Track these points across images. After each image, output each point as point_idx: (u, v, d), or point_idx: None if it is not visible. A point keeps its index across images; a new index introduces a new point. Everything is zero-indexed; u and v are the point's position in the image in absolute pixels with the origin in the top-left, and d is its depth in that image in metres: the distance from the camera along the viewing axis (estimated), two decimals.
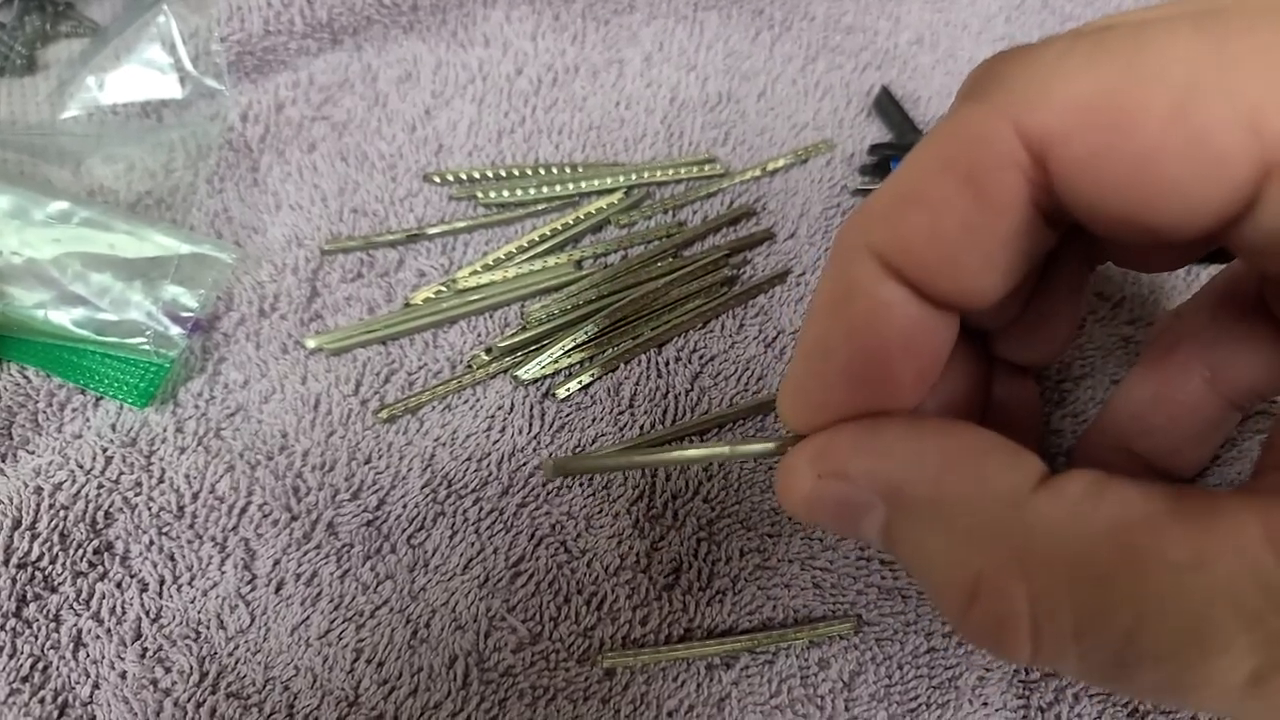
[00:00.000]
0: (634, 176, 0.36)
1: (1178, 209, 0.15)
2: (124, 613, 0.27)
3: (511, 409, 0.31)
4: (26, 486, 0.28)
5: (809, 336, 0.19)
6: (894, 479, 0.18)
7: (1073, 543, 0.16)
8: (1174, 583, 0.15)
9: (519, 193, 0.35)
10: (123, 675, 0.26)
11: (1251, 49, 0.14)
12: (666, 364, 0.32)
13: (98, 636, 0.27)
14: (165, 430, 0.30)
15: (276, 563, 0.28)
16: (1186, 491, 0.16)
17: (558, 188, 0.35)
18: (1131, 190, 0.15)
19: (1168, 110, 0.14)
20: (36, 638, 0.27)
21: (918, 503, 0.18)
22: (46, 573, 0.27)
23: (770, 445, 0.21)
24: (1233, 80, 0.14)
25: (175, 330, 0.31)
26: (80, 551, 0.28)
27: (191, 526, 0.28)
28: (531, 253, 0.34)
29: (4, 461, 0.29)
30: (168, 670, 0.27)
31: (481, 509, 0.29)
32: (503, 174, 0.36)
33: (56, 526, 0.28)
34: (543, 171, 0.36)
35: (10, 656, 0.26)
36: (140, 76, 0.36)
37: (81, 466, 0.29)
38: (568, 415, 0.31)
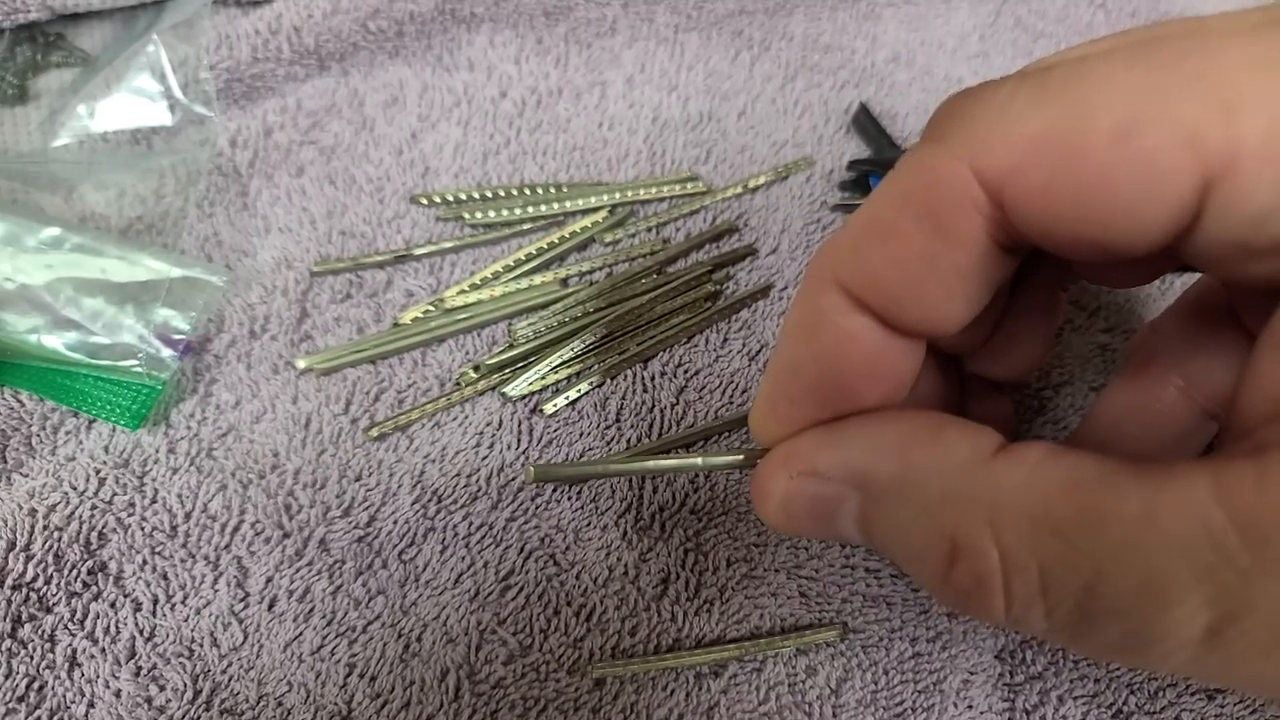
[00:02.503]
0: (618, 195, 0.36)
1: (1129, 227, 0.16)
2: (118, 632, 0.27)
3: (500, 425, 0.31)
4: (21, 509, 0.28)
5: (779, 360, 0.21)
6: (862, 465, 0.19)
7: (1033, 500, 0.17)
8: (1128, 536, 0.16)
9: (505, 213, 0.36)
10: (117, 694, 0.27)
11: (1183, 76, 0.15)
12: (652, 379, 0.32)
13: (92, 656, 0.27)
14: (158, 451, 0.30)
15: (269, 580, 0.28)
16: (1146, 459, 0.17)
17: (543, 207, 0.36)
18: (1084, 213, 0.16)
19: (1111, 136, 0.15)
20: (32, 658, 0.27)
21: (887, 482, 0.19)
22: (41, 593, 0.28)
23: (740, 457, 0.22)
24: (1169, 105, 0.15)
25: (167, 353, 0.31)
26: (74, 572, 0.28)
27: (184, 546, 0.29)
28: (518, 271, 0.35)
29: None
30: (162, 688, 0.27)
31: (471, 524, 0.30)
32: (488, 195, 0.36)
33: (51, 548, 0.28)
34: (528, 192, 0.37)
35: (6, 677, 0.26)
36: (130, 104, 0.36)
37: (75, 488, 0.29)
38: (555, 430, 0.31)
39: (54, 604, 0.28)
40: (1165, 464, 0.16)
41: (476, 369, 0.32)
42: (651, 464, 0.24)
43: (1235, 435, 0.17)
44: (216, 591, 0.28)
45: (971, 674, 0.28)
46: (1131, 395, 0.26)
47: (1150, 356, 0.26)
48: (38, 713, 0.26)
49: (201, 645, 0.28)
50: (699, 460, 0.23)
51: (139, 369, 0.31)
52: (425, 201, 0.36)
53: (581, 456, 0.31)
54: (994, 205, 0.17)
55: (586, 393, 0.32)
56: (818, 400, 0.20)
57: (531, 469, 0.24)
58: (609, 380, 0.32)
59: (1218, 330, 0.24)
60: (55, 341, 0.31)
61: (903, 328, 0.19)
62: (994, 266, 0.18)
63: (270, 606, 0.28)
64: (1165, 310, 0.26)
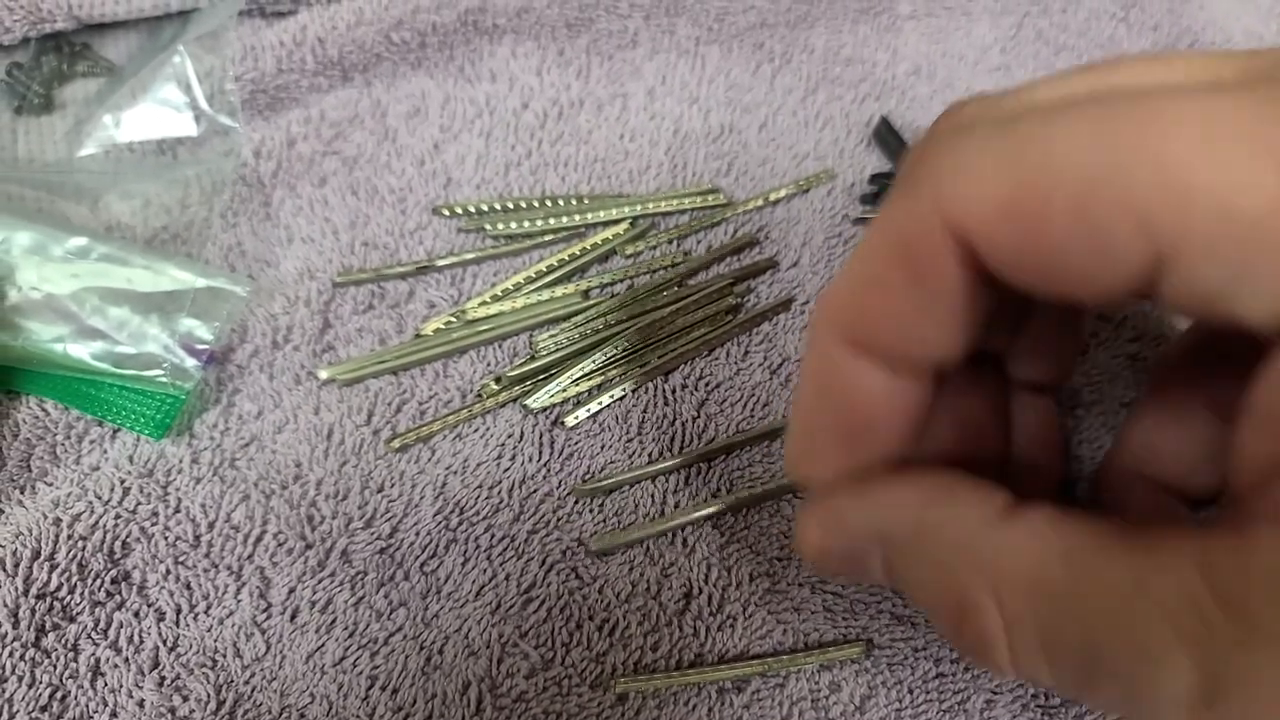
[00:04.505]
0: (639, 207, 0.37)
1: (1089, 289, 0.17)
2: (141, 642, 0.28)
3: (521, 437, 0.31)
4: (45, 518, 0.28)
5: (800, 410, 0.22)
6: (883, 525, 0.21)
7: (1032, 564, 0.18)
8: (1117, 604, 0.16)
9: (526, 224, 0.36)
10: (140, 704, 0.27)
11: (1139, 150, 0.15)
12: (673, 391, 0.32)
13: (115, 665, 0.27)
14: (181, 461, 0.30)
15: (291, 591, 0.28)
16: (1141, 525, 0.17)
17: (564, 219, 0.36)
18: (1047, 275, 0.17)
19: (1069, 209, 0.16)
20: (55, 667, 0.27)
21: (905, 541, 0.20)
22: (65, 602, 0.28)
23: (766, 491, 0.25)
24: (1124, 183, 0.15)
25: (191, 362, 0.31)
26: (98, 581, 0.28)
27: (207, 556, 0.29)
28: (539, 283, 0.35)
29: (23, 493, 0.30)
30: (185, 699, 0.27)
31: (493, 536, 0.30)
32: (510, 206, 0.37)
33: (75, 557, 0.28)
34: (549, 203, 0.37)
35: (30, 686, 0.26)
36: (156, 115, 0.36)
37: (99, 497, 0.29)
38: (577, 443, 0.31)
39: (77, 613, 0.28)
40: (1158, 531, 0.17)
41: (498, 381, 0.32)
42: (697, 514, 0.27)
43: (1228, 499, 0.18)
44: (239, 602, 0.28)
45: (995, 694, 0.28)
46: (1159, 414, 0.26)
47: (1175, 373, 0.26)
48: None
49: (224, 656, 0.28)
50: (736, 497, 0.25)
51: (163, 378, 0.31)
52: (447, 213, 0.36)
53: (603, 469, 0.31)
54: (968, 254, 0.18)
55: (608, 405, 0.32)
56: (842, 443, 0.21)
57: (594, 545, 0.28)
58: (630, 393, 0.32)
59: (1240, 346, 0.24)
60: (81, 351, 0.31)
61: (906, 367, 0.20)
62: (985, 297, 0.19)
63: (292, 617, 0.28)
64: (1190, 326, 0.26)
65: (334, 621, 0.28)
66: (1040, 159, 0.16)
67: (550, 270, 0.35)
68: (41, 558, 0.28)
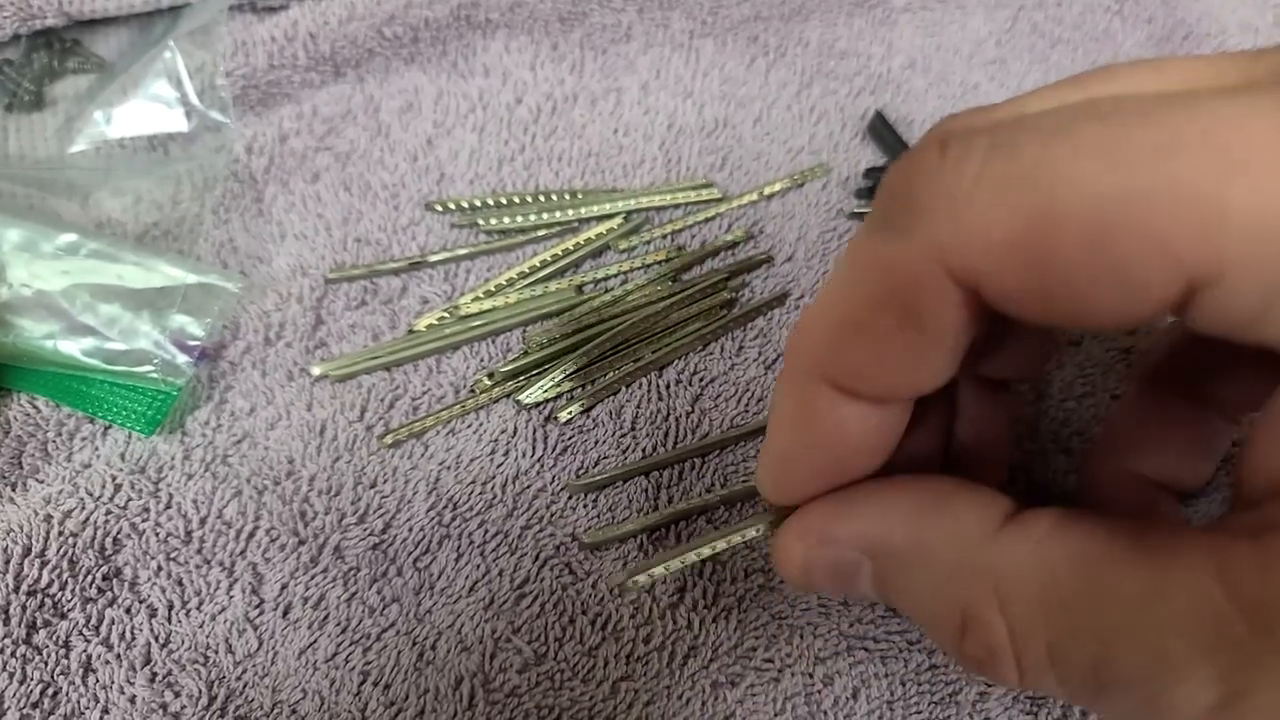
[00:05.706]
0: (633, 202, 0.36)
1: (1108, 320, 0.16)
2: (133, 638, 0.27)
3: (514, 433, 0.31)
4: (36, 515, 0.28)
5: (776, 447, 0.21)
6: (874, 535, 0.20)
7: (1039, 575, 0.17)
8: (1133, 614, 0.16)
9: (520, 219, 0.36)
10: (132, 700, 0.27)
11: (1157, 173, 0.14)
12: (667, 386, 0.32)
13: (107, 662, 0.27)
14: (173, 458, 0.30)
15: (284, 587, 0.28)
16: (1151, 528, 0.17)
17: (558, 214, 0.36)
18: (1062, 309, 0.16)
19: (1084, 242, 0.15)
20: (46, 664, 0.27)
21: (900, 552, 0.19)
22: (56, 599, 0.28)
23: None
24: (1144, 208, 0.14)
25: (182, 359, 0.31)
26: (89, 578, 0.28)
27: (199, 552, 0.29)
28: (533, 278, 0.35)
29: (14, 490, 0.30)
30: (177, 695, 0.27)
31: (486, 531, 0.29)
32: (504, 201, 0.36)
33: (66, 553, 0.28)
34: (543, 198, 0.37)
35: (21, 683, 0.26)
36: (147, 111, 0.36)
37: (91, 494, 0.29)
38: (570, 438, 0.31)
39: (69, 610, 0.28)
40: (1171, 536, 0.16)
41: (491, 376, 0.32)
42: (690, 509, 0.27)
43: (1240, 503, 0.17)
44: (231, 598, 0.28)
45: (987, 686, 0.28)
46: (1142, 407, 0.26)
47: (1159, 365, 0.25)
48: (51, 719, 0.26)
49: (216, 651, 0.27)
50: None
51: (154, 375, 0.31)
52: (440, 208, 0.36)
53: (597, 464, 0.31)
54: (971, 294, 0.17)
55: (601, 400, 0.32)
56: (820, 477, 0.21)
57: (587, 539, 0.29)
58: (624, 388, 0.32)
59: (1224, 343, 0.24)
60: (71, 347, 0.31)
61: (893, 401, 0.19)
62: (978, 326, 0.18)
63: (285, 613, 0.28)
64: (1172, 322, 0.26)
65: (326, 617, 0.28)
66: (1048, 189, 0.15)
67: (543, 265, 0.35)
68: (32, 554, 0.28)
